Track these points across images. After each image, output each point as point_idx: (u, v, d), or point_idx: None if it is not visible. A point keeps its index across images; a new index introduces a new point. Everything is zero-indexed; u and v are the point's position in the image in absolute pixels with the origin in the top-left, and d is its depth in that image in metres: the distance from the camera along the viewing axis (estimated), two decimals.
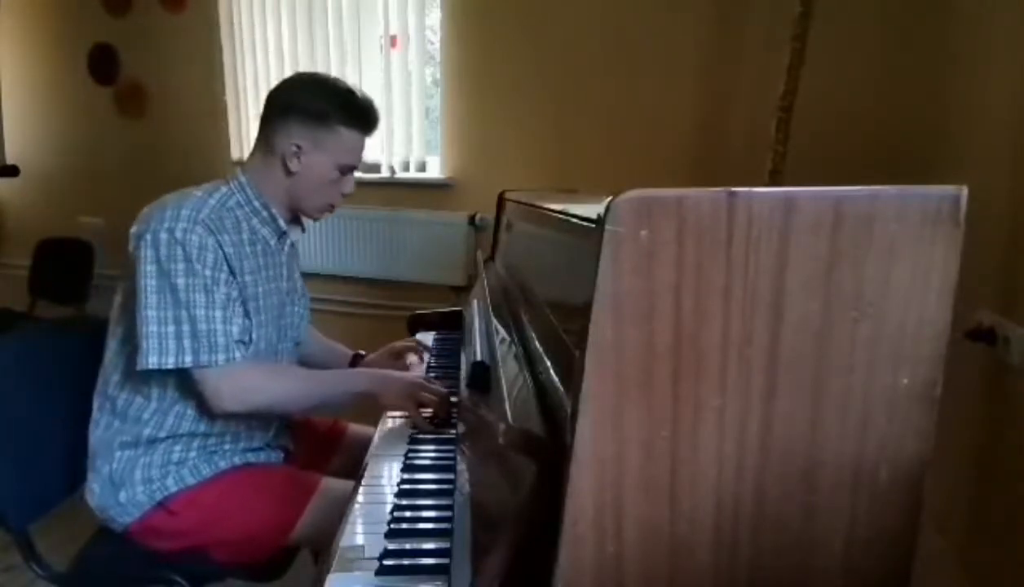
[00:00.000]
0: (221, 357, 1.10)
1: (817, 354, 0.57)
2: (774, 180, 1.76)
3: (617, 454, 0.56)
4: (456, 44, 2.63)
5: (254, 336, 1.19)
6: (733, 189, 0.53)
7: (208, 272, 1.10)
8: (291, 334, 1.34)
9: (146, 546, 1.15)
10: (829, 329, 0.56)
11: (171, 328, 1.08)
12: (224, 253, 1.14)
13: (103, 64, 3.29)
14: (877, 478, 0.59)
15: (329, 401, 1.25)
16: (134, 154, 3.22)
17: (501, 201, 1.97)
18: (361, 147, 1.26)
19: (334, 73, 2.84)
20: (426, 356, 1.58)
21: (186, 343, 1.08)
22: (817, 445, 0.58)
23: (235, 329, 1.14)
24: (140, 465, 1.15)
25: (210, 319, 1.10)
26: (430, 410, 1.21)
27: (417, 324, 1.87)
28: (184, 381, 1.14)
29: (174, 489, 1.15)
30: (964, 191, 0.56)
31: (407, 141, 2.77)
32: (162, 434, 1.16)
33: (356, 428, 1.47)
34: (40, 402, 1.20)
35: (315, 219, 1.32)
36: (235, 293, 1.16)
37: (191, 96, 3.08)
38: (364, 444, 1.19)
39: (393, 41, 2.70)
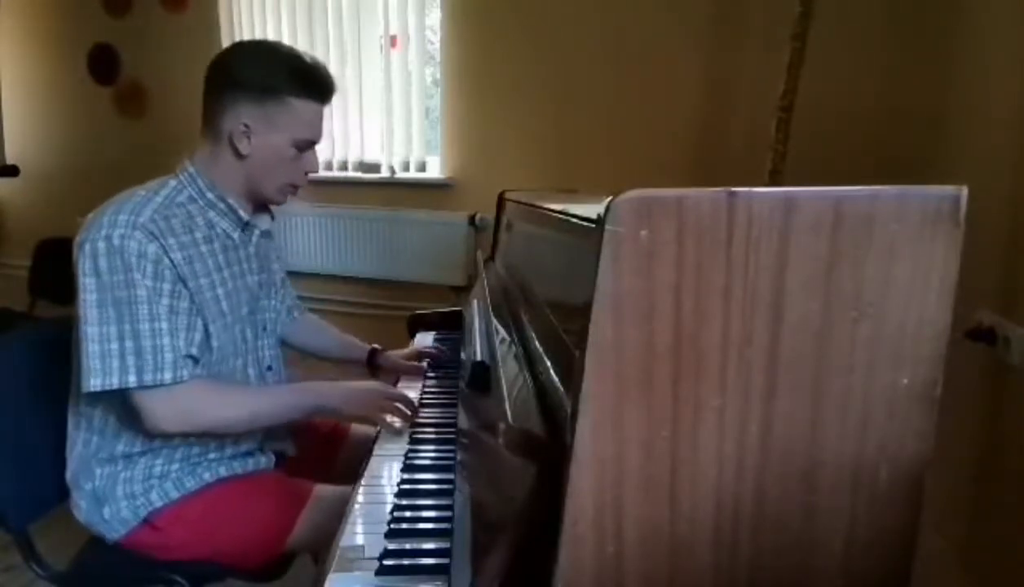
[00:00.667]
0: (167, 375, 1.02)
1: (817, 354, 0.57)
2: (774, 180, 1.76)
3: (617, 454, 0.56)
4: (456, 44, 2.63)
5: (215, 344, 1.11)
6: (733, 189, 0.53)
7: (149, 282, 1.02)
8: (270, 329, 1.28)
9: (139, 557, 1.13)
10: (829, 329, 0.56)
11: (114, 345, 1.00)
12: (170, 259, 1.04)
13: (103, 64, 3.29)
14: (877, 478, 0.59)
15: (283, 419, 1.20)
16: (134, 154, 3.22)
17: (501, 201, 1.97)
18: (319, 118, 1.16)
19: (334, 73, 2.85)
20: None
21: (130, 361, 1.00)
22: (817, 445, 0.58)
23: (182, 342, 1.05)
24: (121, 481, 1.11)
25: (156, 333, 1.01)
26: (395, 417, 1.19)
27: (417, 324, 1.87)
28: None
29: (159, 504, 1.11)
30: (964, 191, 0.56)
31: (407, 141, 2.77)
32: (138, 448, 1.11)
33: (359, 428, 1.46)
34: (40, 402, 1.20)
35: (278, 203, 1.22)
36: (184, 304, 1.07)
37: (191, 96, 3.06)
38: (367, 445, 1.19)
39: (393, 41, 2.71)
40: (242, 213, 1.18)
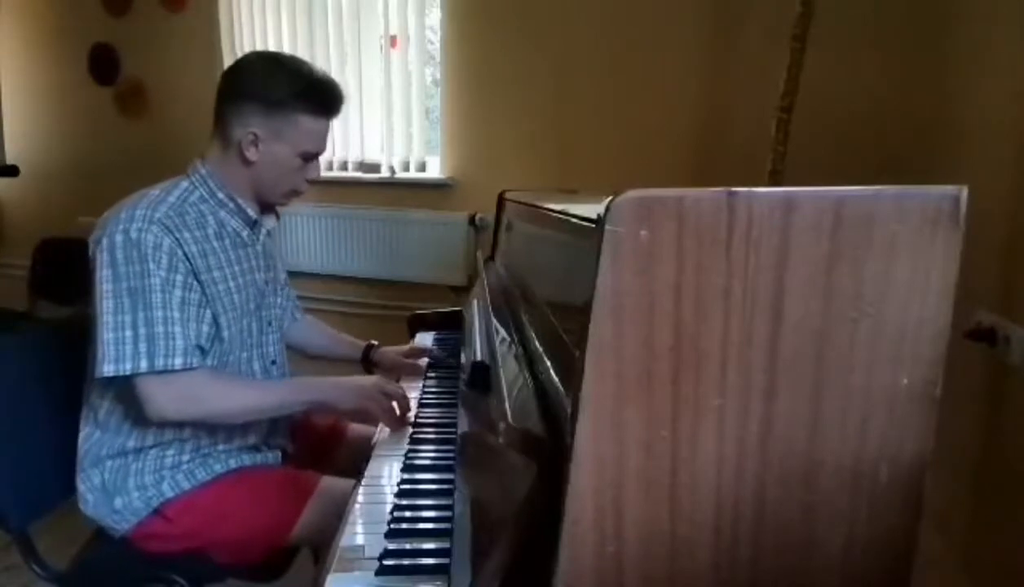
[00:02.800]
0: (178, 361, 1.05)
1: (817, 354, 0.57)
2: (774, 180, 1.76)
3: (617, 454, 0.56)
4: (456, 44, 2.63)
5: (225, 334, 1.15)
6: (733, 189, 0.53)
7: (163, 273, 1.06)
8: (275, 325, 1.32)
9: (145, 550, 1.14)
10: (829, 329, 0.56)
11: (128, 333, 1.04)
12: (184, 252, 1.09)
13: (103, 64, 3.29)
14: (877, 478, 0.59)
15: (281, 411, 1.22)
16: (134, 154, 3.22)
17: (501, 201, 1.97)
18: (324, 132, 1.22)
19: (334, 73, 2.85)
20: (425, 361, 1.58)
21: (142, 347, 1.04)
22: (817, 445, 0.58)
23: (193, 332, 1.09)
24: (132, 472, 1.13)
25: (168, 321, 1.05)
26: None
27: (417, 324, 1.87)
28: None
29: (170, 494, 1.13)
30: (964, 191, 0.56)
31: (407, 141, 2.77)
32: (148, 443, 1.13)
33: (357, 428, 1.46)
34: (40, 402, 1.20)
35: (281, 205, 1.29)
36: (195, 296, 1.11)
37: (191, 96, 3.08)
38: (365, 444, 1.19)
39: (393, 41, 2.71)
40: (251, 212, 1.23)
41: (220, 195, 1.19)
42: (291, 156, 1.18)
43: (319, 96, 1.18)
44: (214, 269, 1.15)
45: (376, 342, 1.58)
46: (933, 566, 1.33)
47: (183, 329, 1.07)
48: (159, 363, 1.04)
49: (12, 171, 3.46)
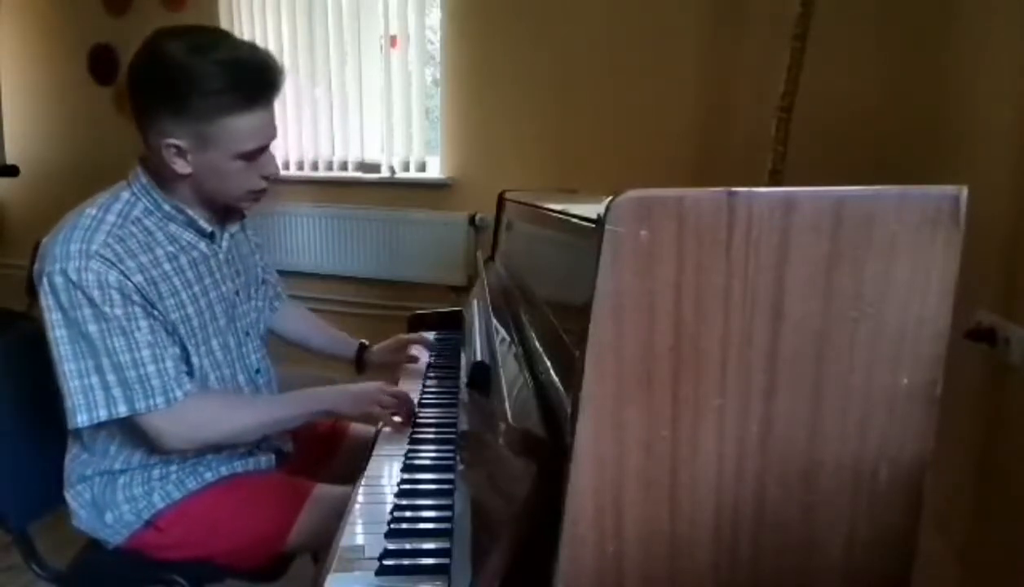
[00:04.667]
0: (159, 399, 0.99)
1: (817, 354, 0.57)
2: (774, 180, 1.76)
3: (617, 454, 0.56)
4: (456, 44, 2.63)
5: (194, 362, 1.09)
6: (733, 189, 0.53)
7: (119, 311, 0.97)
8: (253, 332, 1.26)
9: (140, 557, 1.13)
10: (829, 329, 0.56)
11: (94, 379, 0.97)
12: (132, 284, 0.98)
13: (103, 64, 3.29)
14: (877, 478, 0.59)
15: (284, 426, 1.19)
16: (134, 154, 3.22)
17: (501, 201, 1.97)
18: (262, 123, 1.02)
19: (334, 74, 2.86)
20: (424, 356, 1.56)
21: (116, 392, 0.97)
22: (817, 445, 0.58)
23: (170, 364, 1.02)
24: (120, 486, 1.10)
25: (138, 363, 0.98)
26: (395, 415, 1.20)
27: (417, 324, 1.87)
28: None
29: (161, 505, 1.11)
30: (964, 191, 0.56)
31: (407, 141, 2.77)
32: (134, 464, 1.11)
33: (358, 429, 1.45)
34: (40, 402, 1.20)
35: (242, 209, 1.16)
36: (159, 323, 1.03)
37: None
38: (365, 446, 1.19)
39: (393, 41, 2.71)
40: (203, 224, 1.11)
41: (166, 207, 1.06)
42: (228, 160, 1.02)
43: (245, 87, 0.98)
44: (166, 297, 1.04)
45: (367, 342, 1.52)
46: (933, 566, 1.33)
47: (157, 367, 1.00)
48: (140, 406, 0.99)
49: (12, 171, 3.45)
